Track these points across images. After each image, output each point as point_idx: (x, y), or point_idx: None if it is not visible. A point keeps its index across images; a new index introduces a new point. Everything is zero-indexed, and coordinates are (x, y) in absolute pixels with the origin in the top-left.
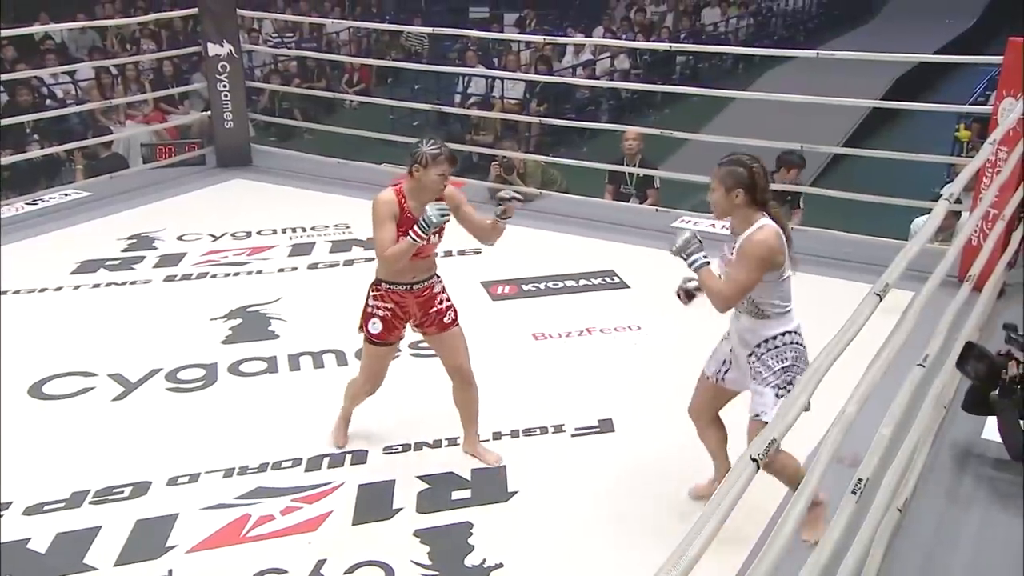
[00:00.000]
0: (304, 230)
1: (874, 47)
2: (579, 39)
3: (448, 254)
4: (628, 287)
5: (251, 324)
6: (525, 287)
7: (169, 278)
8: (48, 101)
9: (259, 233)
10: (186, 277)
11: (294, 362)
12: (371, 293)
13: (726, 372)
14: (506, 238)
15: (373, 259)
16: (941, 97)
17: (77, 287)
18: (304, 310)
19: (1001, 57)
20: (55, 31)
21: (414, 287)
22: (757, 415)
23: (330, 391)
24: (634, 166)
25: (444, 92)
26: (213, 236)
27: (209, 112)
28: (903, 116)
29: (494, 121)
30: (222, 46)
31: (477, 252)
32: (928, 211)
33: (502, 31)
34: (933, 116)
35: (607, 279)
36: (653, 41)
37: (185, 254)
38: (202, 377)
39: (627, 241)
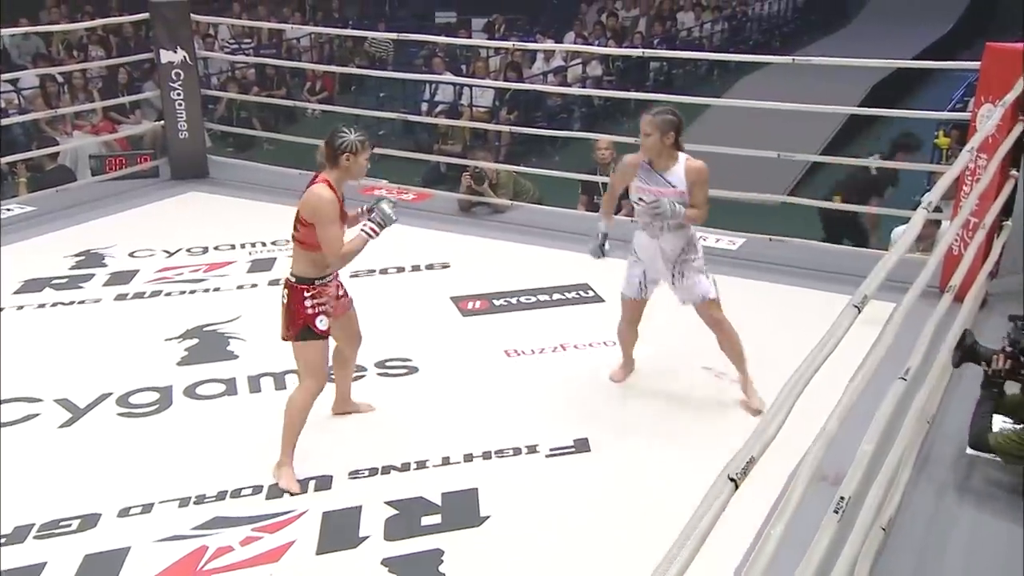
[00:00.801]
0: (264, 244)
1: (851, 53)
2: (549, 45)
3: (416, 268)
4: (603, 301)
5: (208, 344)
6: (496, 302)
7: (120, 297)
8: None
9: (216, 248)
10: (139, 295)
11: (255, 384)
12: (305, 294)
13: (645, 287)
14: (476, 251)
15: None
16: (920, 103)
17: (20, 307)
18: (265, 329)
19: (979, 63)
20: None
21: (334, 275)
22: (704, 297)
23: None
24: (607, 175)
25: (410, 100)
26: (167, 252)
27: (162, 122)
28: (882, 123)
29: (462, 130)
30: (175, 52)
31: (446, 266)
32: (908, 220)
33: (470, 37)
34: (912, 123)
35: (581, 293)
36: (626, 47)
37: (137, 271)
38: (156, 401)
39: None
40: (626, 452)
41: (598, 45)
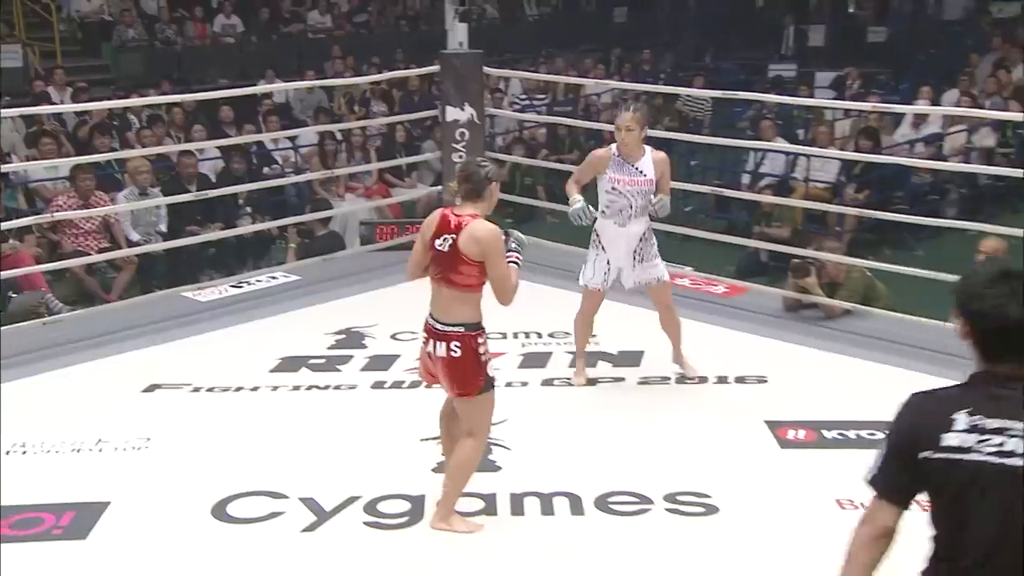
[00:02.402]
0: (539, 336)
1: None
2: (921, 106)
3: (723, 380)
4: None
5: None
6: (827, 434)
7: (378, 384)
8: (265, 169)
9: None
10: (397, 385)
11: (517, 504)
12: (479, 341)
13: (608, 276)
14: (804, 364)
15: (623, 379)
16: None
17: (275, 388)
18: (533, 437)
19: None
20: (280, 90)
21: None
22: (659, 279)
23: (560, 546)
24: None
25: (728, 171)
26: None
27: (440, 187)
28: None
29: (794, 211)
30: (463, 110)
31: (762, 381)
32: None
33: (812, 95)
34: None
35: None
36: None
37: (398, 356)
38: (407, 512)
39: None
40: None
41: (991, 107)
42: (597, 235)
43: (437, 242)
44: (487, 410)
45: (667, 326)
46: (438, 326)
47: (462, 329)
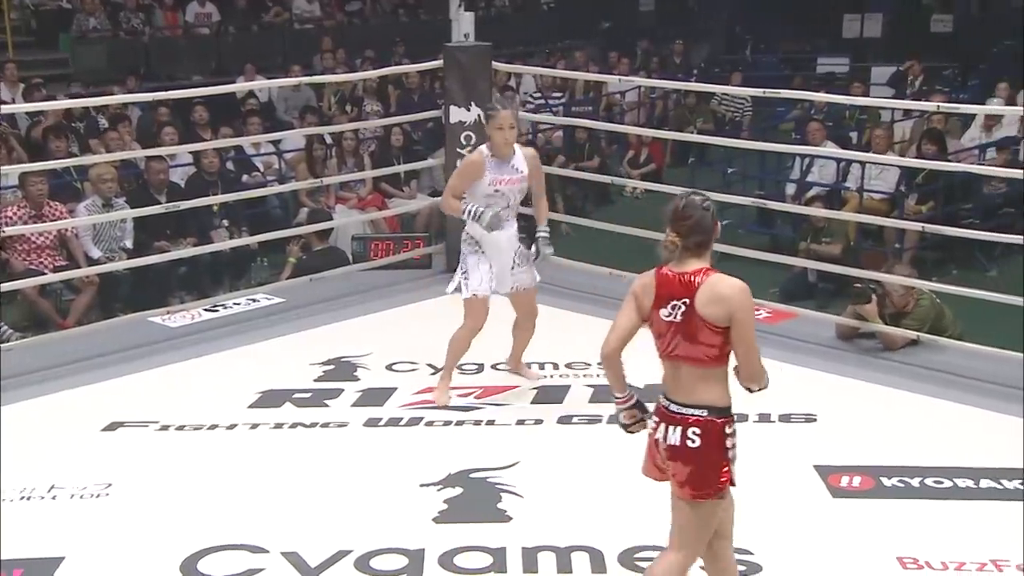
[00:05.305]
0: (556, 367)
1: None
2: (995, 107)
3: (766, 419)
4: None
5: (475, 497)
6: (887, 481)
7: (371, 422)
8: (244, 177)
9: (495, 367)
10: (393, 423)
11: (530, 559)
12: (727, 431)
13: (492, 285)
14: (859, 401)
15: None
16: None
17: (255, 426)
18: (549, 483)
19: None
20: (261, 88)
21: None
22: (536, 280)
23: None
24: None
25: (770, 180)
26: (432, 367)
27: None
28: None
29: (846, 225)
30: (468, 110)
31: (810, 420)
32: None
33: (867, 93)
34: None
35: None
36: None
37: (394, 390)
38: (403, 568)
39: None
40: None
41: None
42: (474, 240)
43: (663, 312)
44: (713, 522)
45: (524, 331)
46: (673, 407)
47: (705, 413)
